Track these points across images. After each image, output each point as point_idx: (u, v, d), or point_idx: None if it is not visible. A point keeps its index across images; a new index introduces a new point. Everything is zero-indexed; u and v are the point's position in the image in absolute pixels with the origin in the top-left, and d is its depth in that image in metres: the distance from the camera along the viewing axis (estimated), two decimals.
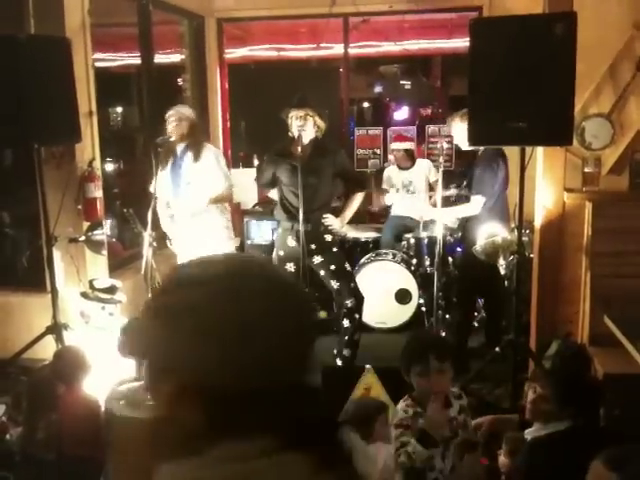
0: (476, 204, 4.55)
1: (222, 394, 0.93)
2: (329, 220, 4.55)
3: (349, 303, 4.57)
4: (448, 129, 4.84)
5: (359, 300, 4.65)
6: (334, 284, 4.57)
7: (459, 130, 4.56)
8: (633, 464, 1.81)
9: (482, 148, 4.60)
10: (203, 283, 0.97)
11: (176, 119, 4.80)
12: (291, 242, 4.56)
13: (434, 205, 4.95)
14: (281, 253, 4.64)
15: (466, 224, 4.66)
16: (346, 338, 4.64)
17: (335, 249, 4.62)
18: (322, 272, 4.57)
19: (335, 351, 4.70)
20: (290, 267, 4.58)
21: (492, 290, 4.90)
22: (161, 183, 4.84)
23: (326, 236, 4.56)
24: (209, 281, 0.97)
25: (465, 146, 4.54)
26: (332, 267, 4.55)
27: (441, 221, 4.64)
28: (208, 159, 4.87)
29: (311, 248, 4.40)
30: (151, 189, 4.67)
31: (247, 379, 0.93)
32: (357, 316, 4.62)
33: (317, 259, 4.53)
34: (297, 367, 1.00)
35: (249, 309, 0.94)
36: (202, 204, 4.86)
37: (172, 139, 4.80)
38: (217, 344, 0.93)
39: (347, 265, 4.66)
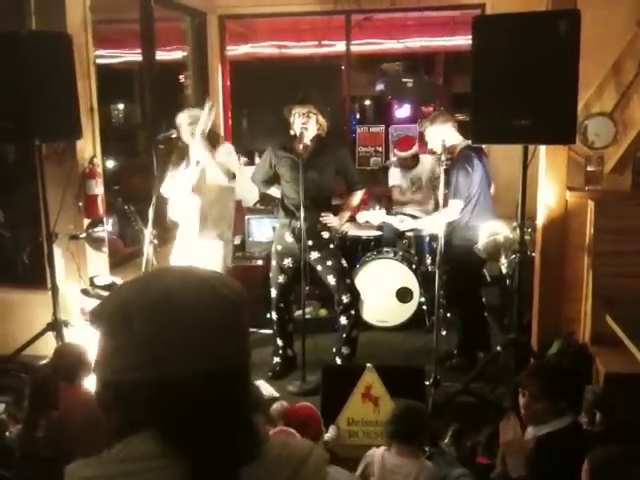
0: (454, 209, 4.48)
1: (122, 392, 0.96)
2: (327, 218, 4.55)
3: (345, 299, 4.59)
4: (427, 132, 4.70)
5: (355, 296, 4.67)
6: (330, 280, 4.59)
7: (434, 134, 4.52)
8: (607, 469, 1.82)
9: (457, 150, 4.56)
10: (122, 287, 1.03)
11: (191, 122, 4.60)
12: (288, 238, 4.57)
13: (437, 202, 4.90)
14: (279, 248, 4.66)
15: (449, 227, 4.56)
16: (344, 336, 4.66)
17: (332, 246, 4.64)
18: (319, 268, 4.61)
19: (334, 349, 4.71)
20: (288, 262, 4.59)
21: (475, 292, 4.89)
22: (172, 185, 4.69)
23: (323, 233, 4.57)
24: (128, 286, 1.03)
25: (439, 150, 4.42)
26: (328, 263, 4.57)
27: (429, 231, 4.56)
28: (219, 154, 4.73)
29: (308, 244, 4.41)
30: (161, 191, 4.59)
31: (140, 375, 0.95)
32: (353, 312, 4.64)
33: (314, 255, 4.54)
34: (200, 363, 0.95)
35: (148, 310, 0.95)
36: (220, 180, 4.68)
37: (174, 135, 4.73)
38: (121, 340, 0.97)
39: (344, 262, 4.68)
